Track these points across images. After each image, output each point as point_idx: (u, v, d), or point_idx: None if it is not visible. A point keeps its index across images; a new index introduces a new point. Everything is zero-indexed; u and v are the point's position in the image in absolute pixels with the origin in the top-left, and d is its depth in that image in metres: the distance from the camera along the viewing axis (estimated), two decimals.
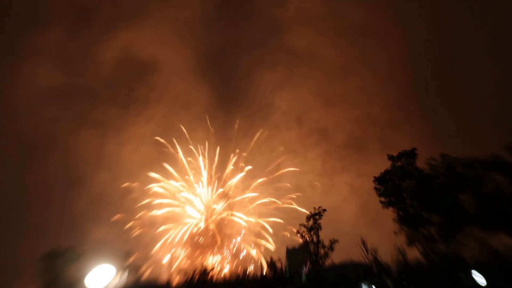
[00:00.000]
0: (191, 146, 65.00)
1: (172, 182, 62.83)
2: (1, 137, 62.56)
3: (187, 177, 63.88)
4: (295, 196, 64.35)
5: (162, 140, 65.59)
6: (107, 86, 77.14)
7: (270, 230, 61.25)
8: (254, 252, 60.75)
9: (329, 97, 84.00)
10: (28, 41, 71.20)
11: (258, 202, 64.36)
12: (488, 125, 58.87)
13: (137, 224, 59.44)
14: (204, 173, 64.49)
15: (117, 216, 58.48)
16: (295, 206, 63.09)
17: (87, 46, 77.86)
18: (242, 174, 65.55)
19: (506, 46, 63.18)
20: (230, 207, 64.15)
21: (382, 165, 32.16)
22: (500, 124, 53.01)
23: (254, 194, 64.95)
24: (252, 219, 63.02)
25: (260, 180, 65.84)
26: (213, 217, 63.18)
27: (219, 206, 63.50)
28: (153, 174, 62.39)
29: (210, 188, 64.36)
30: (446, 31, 73.62)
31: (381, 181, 31.26)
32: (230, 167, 65.53)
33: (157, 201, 61.57)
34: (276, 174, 66.60)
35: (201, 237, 61.15)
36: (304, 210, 57.79)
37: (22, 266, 41.47)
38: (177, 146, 64.89)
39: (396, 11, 76.75)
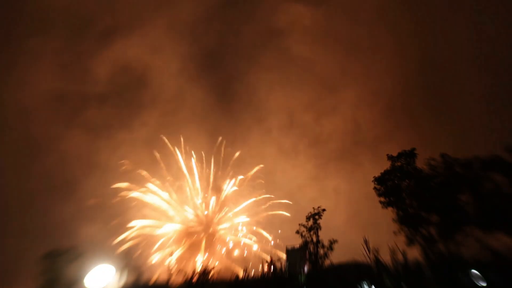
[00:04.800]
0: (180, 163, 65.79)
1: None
2: (1, 138, 62.68)
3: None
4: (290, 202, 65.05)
5: (165, 140, 65.86)
6: (104, 89, 77.14)
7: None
8: (254, 251, 61.00)
9: (323, 104, 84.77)
10: (27, 46, 71.31)
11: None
12: (487, 126, 58.93)
13: (136, 223, 59.42)
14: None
15: (116, 216, 58.51)
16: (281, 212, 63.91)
17: (84, 51, 78.00)
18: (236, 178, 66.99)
19: (503, 49, 63.41)
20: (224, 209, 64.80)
21: (380, 167, 32.28)
22: (499, 125, 53.11)
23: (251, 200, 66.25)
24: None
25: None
26: (206, 211, 63.76)
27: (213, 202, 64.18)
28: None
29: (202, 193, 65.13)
30: (443, 33, 74.05)
31: (380, 181, 31.29)
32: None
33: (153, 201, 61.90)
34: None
35: (200, 237, 61.27)
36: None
37: (22, 266, 41.51)
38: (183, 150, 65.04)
39: (386, 23, 77.78)
